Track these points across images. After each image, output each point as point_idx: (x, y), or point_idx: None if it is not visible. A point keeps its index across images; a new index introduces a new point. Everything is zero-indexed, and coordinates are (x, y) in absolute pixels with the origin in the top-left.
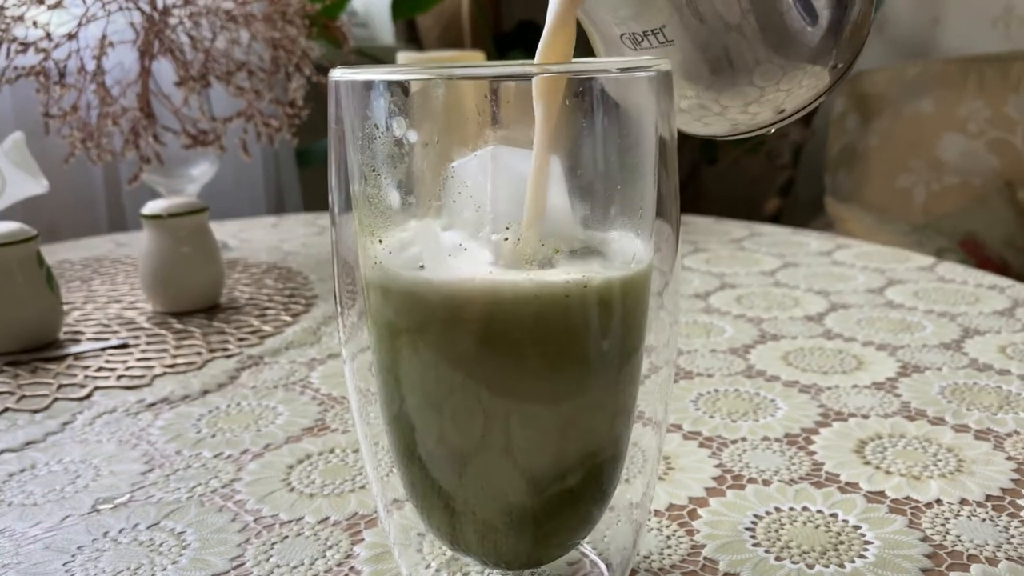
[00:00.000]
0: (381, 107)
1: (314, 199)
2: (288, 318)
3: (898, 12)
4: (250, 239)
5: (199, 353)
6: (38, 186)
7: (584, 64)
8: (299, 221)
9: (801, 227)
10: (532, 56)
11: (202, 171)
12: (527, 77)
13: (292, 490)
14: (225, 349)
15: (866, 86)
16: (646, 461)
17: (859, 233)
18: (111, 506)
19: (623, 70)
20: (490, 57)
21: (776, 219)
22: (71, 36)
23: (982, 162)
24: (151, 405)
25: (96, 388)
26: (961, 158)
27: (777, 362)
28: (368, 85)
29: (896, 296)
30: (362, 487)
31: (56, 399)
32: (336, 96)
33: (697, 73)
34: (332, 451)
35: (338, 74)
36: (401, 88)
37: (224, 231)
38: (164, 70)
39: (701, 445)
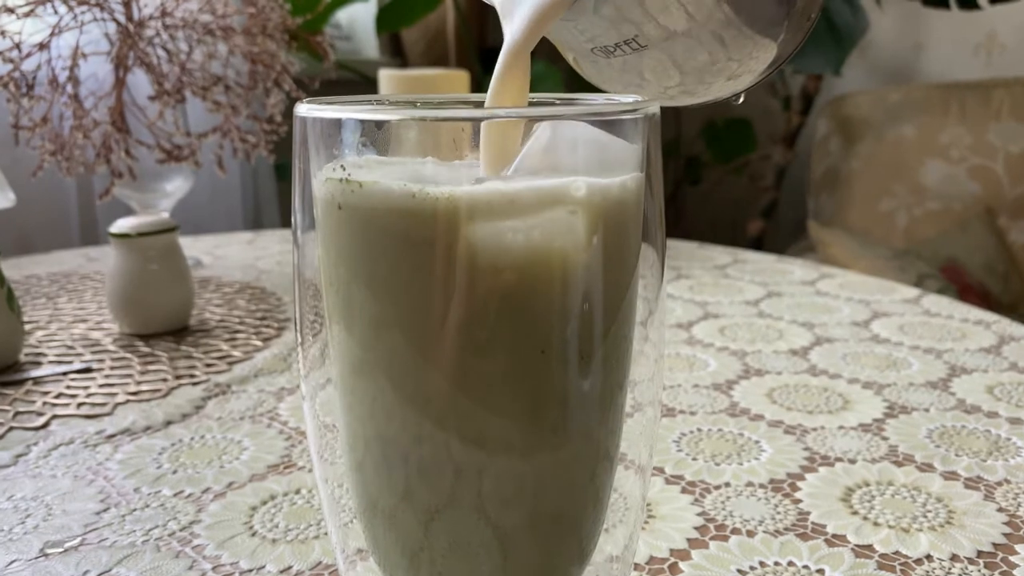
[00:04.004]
0: (350, 145)
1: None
2: (258, 343)
3: (881, 37)
4: (224, 256)
5: (164, 379)
6: (4, 200)
7: (566, 108)
8: (275, 238)
9: (783, 249)
10: None
11: (176, 186)
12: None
13: (254, 535)
14: (192, 376)
15: (849, 110)
16: (628, 509)
17: (841, 257)
18: (61, 550)
19: (607, 113)
20: (474, 74)
21: (759, 241)
22: (42, 46)
23: (963, 188)
24: (111, 436)
25: (54, 416)
26: (943, 184)
27: (761, 400)
28: (336, 123)
29: (881, 330)
30: (327, 533)
31: (11, 428)
32: (303, 130)
33: (673, 68)
34: (298, 491)
35: (304, 109)
36: (375, 126)
37: (198, 247)
38: (140, 82)
39: (683, 491)
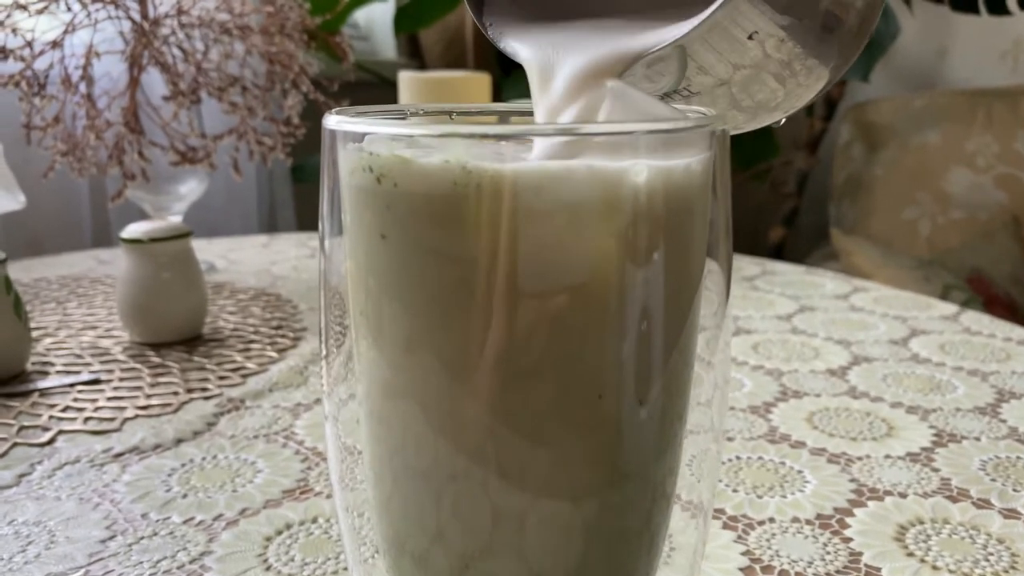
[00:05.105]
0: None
1: (308, 216)
2: (274, 354)
3: (905, 42)
4: (239, 260)
5: (176, 393)
6: (14, 202)
7: (627, 125)
8: (291, 241)
9: (804, 256)
10: None
11: (190, 188)
12: (556, 135)
13: (268, 568)
14: (204, 389)
15: (872, 116)
16: (673, 550)
17: (865, 266)
18: None
19: (671, 129)
20: (494, 76)
21: (779, 248)
22: (55, 44)
23: (989, 197)
24: (119, 455)
25: (60, 432)
26: (968, 192)
27: (802, 424)
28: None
29: (921, 349)
30: (347, 569)
31: (15, 444)
32: (332, 141)
33: (725, 108)
34: (315, 520)
35: (333, 122)
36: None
37: (212, 250)
38: (155, 80)
39: (725, 526)
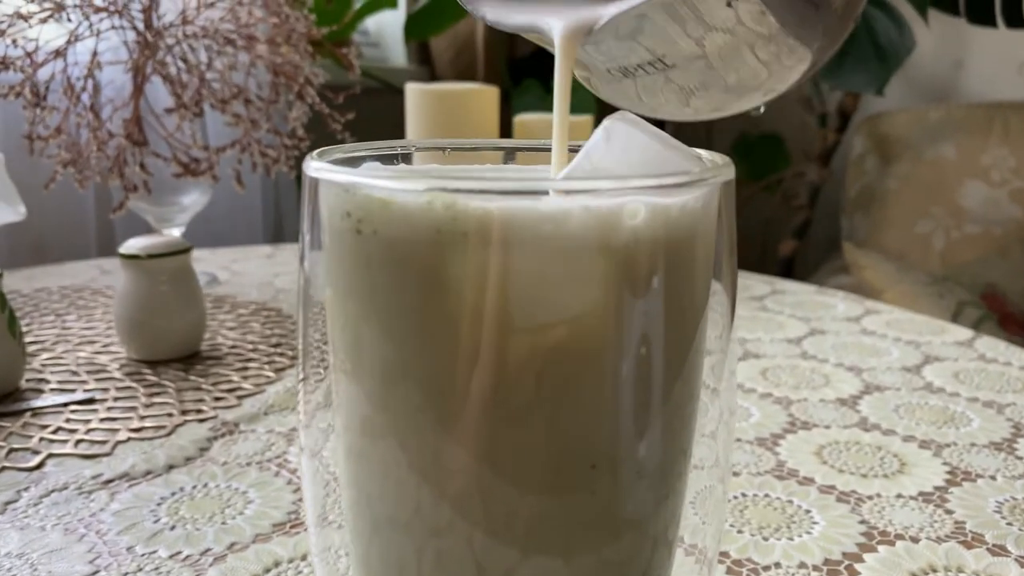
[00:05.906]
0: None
1: None
2: (270, 374)
3: (921, 54)
4: (242, 271)
5: (170, 415)
6: (14, 213)
7: (623, 182)
8: (295, 252)
9: (815, 269)
10: (548, 88)
11: (193, 200)
12: (542, 192)
13: None
14: (199, 411)
15: (886, 128)
16: None
17: (877, 282)
18: None
19: (676, 185)
20: (504, 86)
21: (790, 261)
22: (59, 54)
23: (1004, 212)
24: (108, 482)
25: (50, 455)
26: (983, 206)
27: (810, 459)
28: (348, 188)
29: (935, 378)
30: None
31: (3, 467)
32: (314, 188)
33: (701, 86)
34: (304, 558)
35: (314, 169)
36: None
37: (215, 261)
38: (159, 89)
39: (730, 571)
